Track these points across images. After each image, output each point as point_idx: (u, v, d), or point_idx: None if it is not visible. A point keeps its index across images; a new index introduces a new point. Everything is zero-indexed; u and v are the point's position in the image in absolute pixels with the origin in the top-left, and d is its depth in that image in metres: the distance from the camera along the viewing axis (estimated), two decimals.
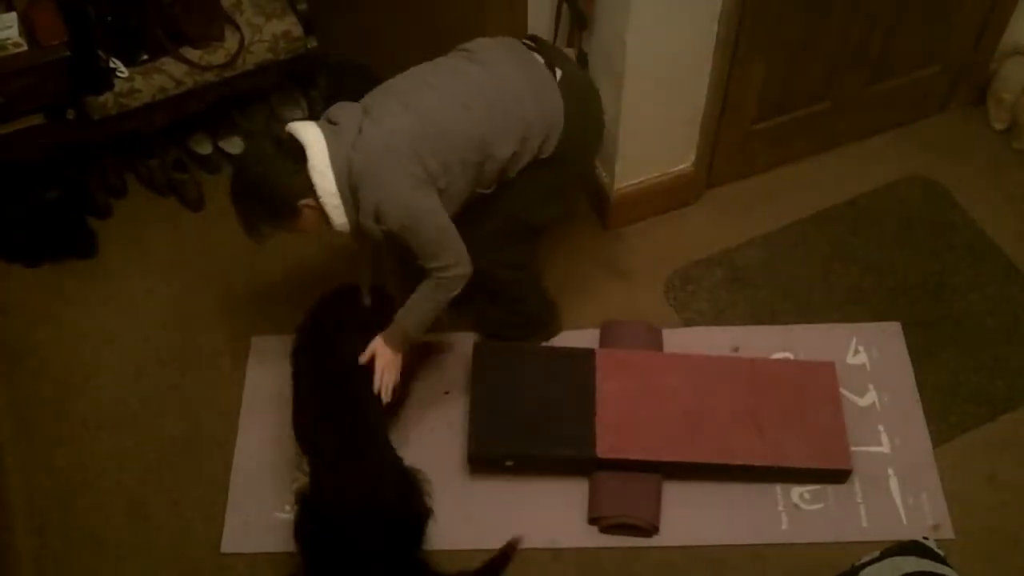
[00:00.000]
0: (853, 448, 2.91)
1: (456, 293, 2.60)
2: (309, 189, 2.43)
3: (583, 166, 2.80)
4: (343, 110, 2.50)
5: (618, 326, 3.14)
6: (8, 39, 2.91)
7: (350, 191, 2.44)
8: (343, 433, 2.66)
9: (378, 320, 2.72)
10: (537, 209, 2.74)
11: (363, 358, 2.68)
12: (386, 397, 2.70)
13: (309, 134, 2.43)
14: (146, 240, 3.47)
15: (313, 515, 2.60)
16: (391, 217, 2.45)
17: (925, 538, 2.58)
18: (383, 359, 2.68)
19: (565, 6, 3.14)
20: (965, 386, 3.09)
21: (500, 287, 2.96)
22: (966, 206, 3.50)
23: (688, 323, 3.25)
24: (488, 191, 2.64)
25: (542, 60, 2.63)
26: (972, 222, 3.47)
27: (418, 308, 2.63)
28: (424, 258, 2.54)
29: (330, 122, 2.48)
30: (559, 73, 2.62)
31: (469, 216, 2.64)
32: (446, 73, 2.56)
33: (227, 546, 2.85)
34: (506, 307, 3.06)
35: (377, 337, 2.68)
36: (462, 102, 2.49)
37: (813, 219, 3.49)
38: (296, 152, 2.42)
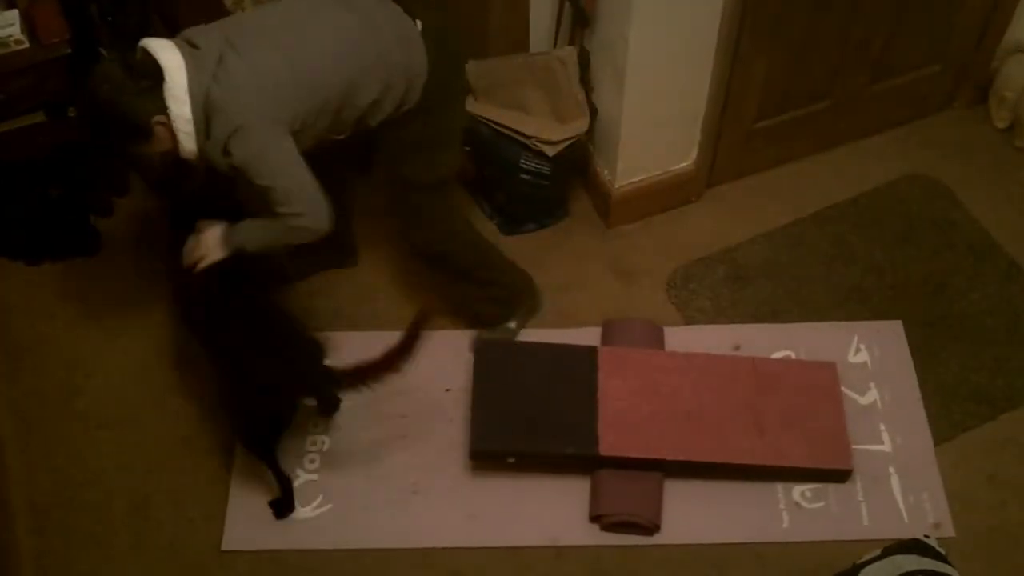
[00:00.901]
0: (854, 446, 2.91)
1: (302, 242, 2.54)
2: (162, 109, 2.34)
3: (453, 113, 2.74)
4: (204, 35, 2.40)
5: (620, 324, 3.14)
6: (10, 36, 2.91)
7: (203, 121, 2.37)
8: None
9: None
10: (426, 165, 2.69)
11: (192, 237, 2.64)
12: (186, 264, 2.64)
13: (168, 56, 2.33)
14: (148, 239, 3.47)
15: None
16: (240, 151, 2.39)
17: (926, 536, 2.58)
18: (207, 236, 2.61)
19: (567, 4, 3.15)
20: (966, 385, 3.09)
21: (452, 262, 2.94)
22: (968, 205, 3.50)
23: (689, 321, 3.25)
24: (341, 137, 2.59)
25: (401, 8, 2.59)
26: (974, 221, 3.46)
27: (260, 227, 2.57)
28: (272, 202, 2.46)
29: (189, 44, 2.38)
30: (419, 24, 2.58)
31: (392, 210, 2.65)
32: (319, 16, 2.50)
33: (228, 544, 2.85)
34: (480, 283, 3.04)
35: (216, 224, 2.62)
36: (333, 50, 2.45)
37: (815, 218, 3.49)
38: (151, 71, 2.33)
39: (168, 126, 2.38)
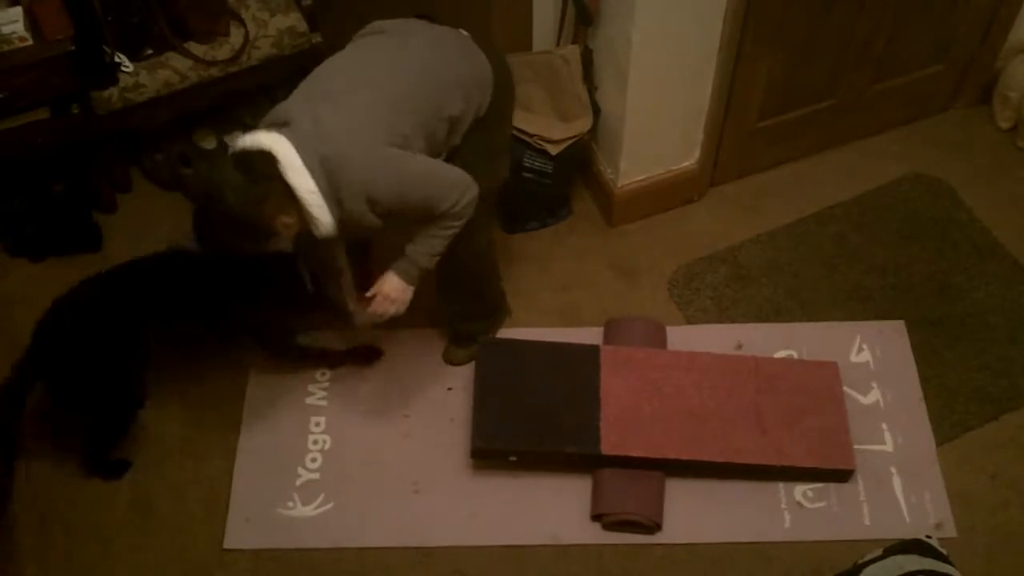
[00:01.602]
0: (856, 446, 2.91)
1: (470, 216, 2.48)
2: (285, 200, 2.29)
3: (508, 122, 2.75)
4: (286, 110, 2.36)
5: (622, 323, 3.14)
6: (13, 33, 2.91)
7: (328, 185, 2.30)
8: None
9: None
10: (488, 175, 2.65)
11: (369, 294, 2.59)
12: (359, 320, 2.65)
13: (270, 139, 2.28)
14: (151, 235, 3.46)
15: None
16: (386, 194, 2.35)
17: (928, 536, 2.58)
18: (389, 288, 2.57)
19: (570, 2, 3.14)
20: (969, 385, 3.09)
21: (469, 277, 2.93)
22: (971, 204, 3.50)
23: (692, 320, 3.25)
24: (440, 159, 2.57)
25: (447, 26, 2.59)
26: (977, 220, 3.46)
27: (429, 238, 2.51)
28: (435, 209, 2.42)
29: (280, 123, 2.33)
30: (465, 32, 2.58)
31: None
32: (377, 49, 2.48)
33: (230, 542, 2.85)
34: (471, 300, 3.04)
35: (388, 273, 2.57)
36: (408, 69, 2.43)
37: (817, 217, 3.49)
38: (261, 164, 2.27)
39: (291, 223, 2.33)
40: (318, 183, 2.28)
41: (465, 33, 2.60)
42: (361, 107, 2.35)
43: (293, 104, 2.37)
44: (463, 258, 2.81)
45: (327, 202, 2.31)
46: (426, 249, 2.53)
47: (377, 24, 2.57)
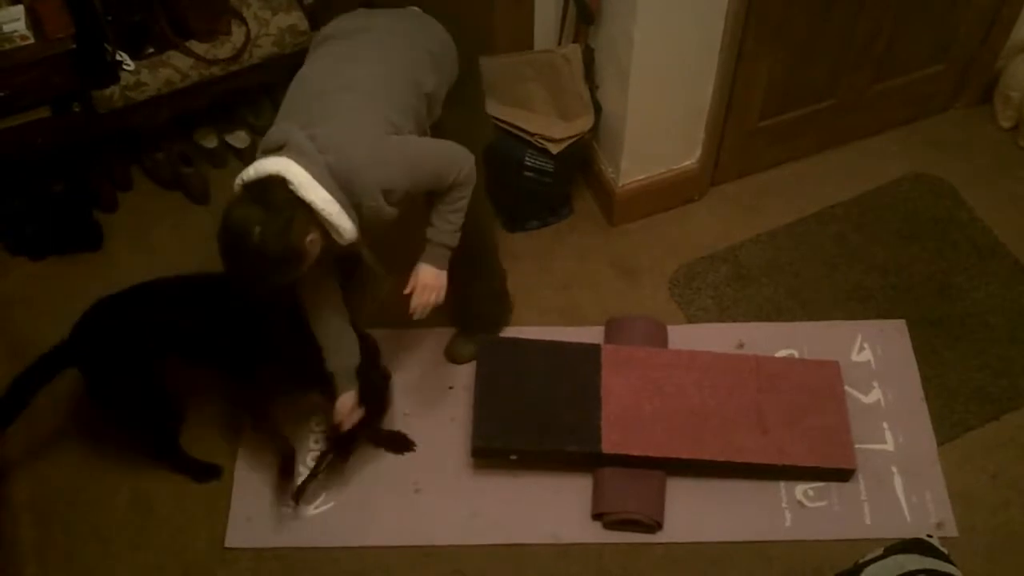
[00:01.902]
0: (857, 445, 2.91)
1: (474, 183, 2.51)
2: (309, 220, 2.28)
3: (477, 76, 2.75)
4: (278, 133, 2.34)
5: (623, 322, 3.14)
6: (15, 32, 2.91)
7: (343, 191, 2.30)
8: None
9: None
10: (475, 129, 2.69)
11: (407, 288, 2.57)
12: (420, 314, 2.59)
13: (273, 163, 2.27)
14: (152, 233, 3.48)
15: None
16: (398, 181, 2.36)
17: (928, 536, 2.57)
18: (424, 279, 2.56)
19: (571, 1, 3.14)
20: (970, 384, 3.09)
21: (485, 248, 2.94)
22: (972, 204, 3.50)
23: (693, 320, 3.25)
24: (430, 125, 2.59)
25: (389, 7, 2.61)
26: (978, 220, 3.46)
27: (445, 218, 2.52)
28: (444, 179, 2.45)
29: (278, 147, 2.32)
30: (414, 9, 2.61)
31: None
32: (337, 54, 2.48)
33: (231, 540, 2.85)
34: (490, 275, 3.05)
35: (419, 264, 2.57)
36: (374, 60, 2.44)
37: (818, 216, 3.49)
38: (274, 190, 2.25)
39: (317, 239, 2.32)
40: (332, 192, 2.28)
41: (415, 9, 2.61)
42: (346, 109, 2.36)
43: (281, 128, 2.36)
44: (470, 228, 2.76)
45: (345, 209, 2.31)
46: (447, 227, 2.53)
47: (326, 29, 2.58)
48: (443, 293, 2.59)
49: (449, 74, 2.57)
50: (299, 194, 2.25)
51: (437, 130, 2.60)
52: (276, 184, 2.25)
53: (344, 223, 2.32)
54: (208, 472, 2.97)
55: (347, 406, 2.69)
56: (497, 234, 3.03)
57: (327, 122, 2.34)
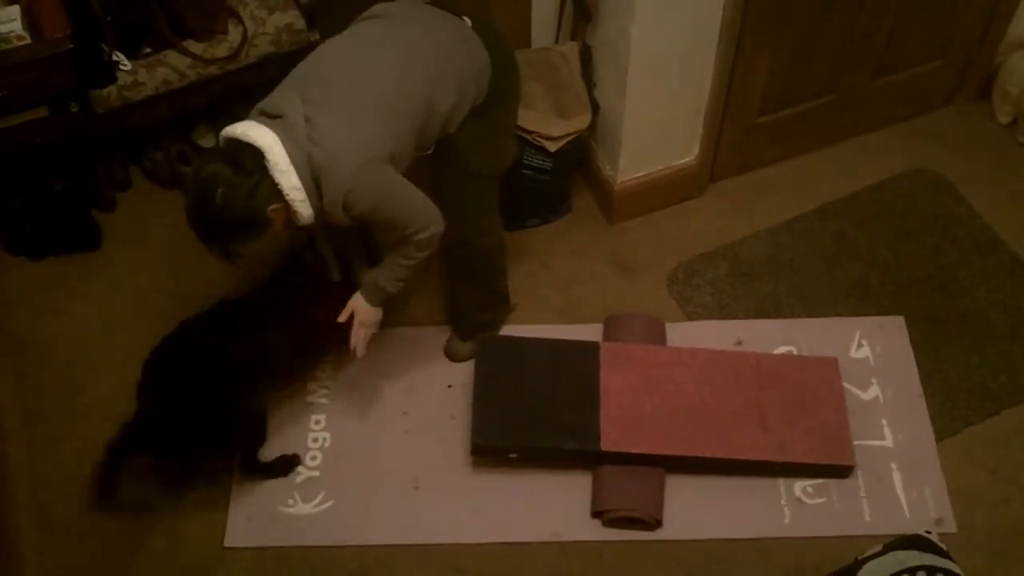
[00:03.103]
0: (856, 442, 2.91)
1: (433, 251, 2.57)
2: (274, 193, 2.34)
3: (514, 101, 2.76)
4: (281, 101, 2.39)
5: (622, 319, 3.14)
6: (11, 32, 2.91)
7: (313, 183, 2.37)
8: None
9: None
10: (491, 158, 2.71)
11: (342, 316, 2.68)
12: (360, 352, 2.73)
13: (260, 135, 2.32)
14: (150, 233, 3.48)
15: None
16: (361, 204, 2.40)
17: (928, 532, 2.58)
18: (361, 314, 2.69)
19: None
20: (969, 381, 3.09)
21: (485, 263, 2.96)
22: (971, 200, 3.50)
23: (691, 317, 3.25)
24: (427, 153, 2.60)
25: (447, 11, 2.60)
26: (977, 216, 3.46)
27: (395, 265, 2.60)
28: (398, 229, 2.51)
29: (270, 116, 2.38)
30: (467, 20, 2.59)
31: (443, 197, 2.65)
32: (379, 42, 2.49)
33: (231, 540, 2.85)
34: (485, 289, 3.05)
35: (356, 295, 2.68)
36: (406, 74, 2.45)
37: (817, 213, 3.49)
38: (249, 158, 2.32)
39: (282, 210, 2.38)
40: (302, 180, 2.35)
41: (467, 21, 2.59)
42: (355, 113, 2.38)
43: (288, 96, 2.40)
44: (475, 240, 2.85)
45: (310, 199, 2.38)
46: (392, 275, 2.62)
47: (379, 7, 2.58)
48: (376, 328, 2.73)
49: (472, 96, 2.55)
50: (271, 173, 2.31)
51: (447, 145, 2.61)
52: (254, 154, 2.31)
53: (304, 210, 2.39)
54: (290, 463, 2.97)
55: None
56: (502, 249, 3.03)
57: (330, 114, 2.36)
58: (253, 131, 2.33)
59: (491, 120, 2.63)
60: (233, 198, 2.31)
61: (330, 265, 2.90)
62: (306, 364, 3.10)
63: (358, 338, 2.71)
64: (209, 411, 2.70)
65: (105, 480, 2.68)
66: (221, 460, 2.93)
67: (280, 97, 2.41)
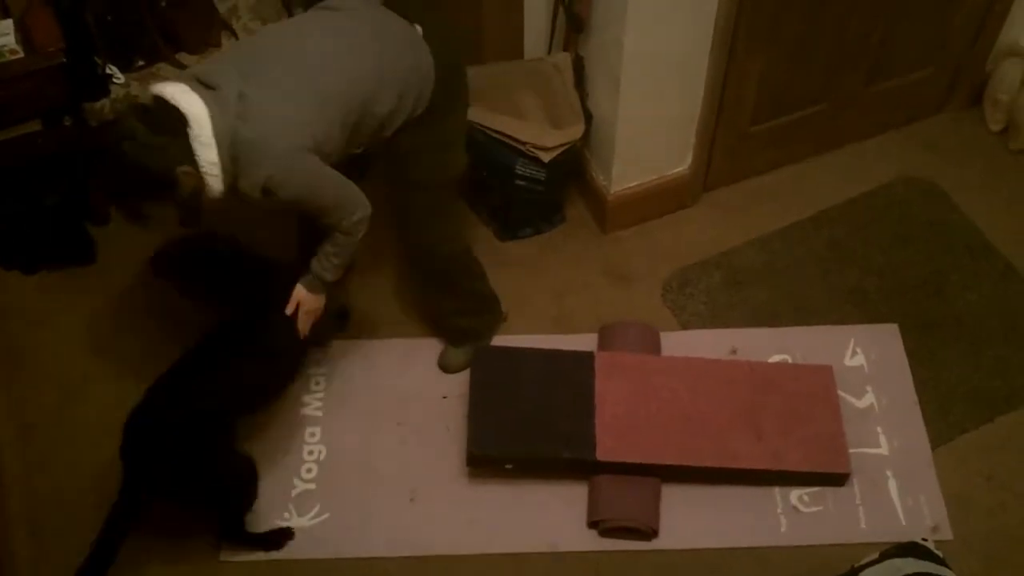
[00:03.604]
0: (851, 450, 2.91)
1: (363, 234, 2.56)
2: (187, 157, 2.31)
3: (459, 113, 2.73)
4: (217, 73, 2.35)
5: (616, 329, 3.14)
6: (5, 46, 2.90)
7: (231, 160, 2.33)
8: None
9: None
10: (435, 166, 2.69)
11: (288, 308, 2.69)
12: (309, 337, 2.76)
13: (190, 102, 2.28)
14: (144, 247, 3.46)
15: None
16: (284, 191, 2.39)
17: (924, 539, 2.58)
18: (305, 305, 2.70)
19: (561, 9, 3.15)
20: (963, 387, 3.10)
21: (450, 268, 2.95)
22: (963, 207, 3.51)
23: (686, 326, 3.25)
24: (358, 151, 2.59)
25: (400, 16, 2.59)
26: (969, 223, 3.47)
27: (328, 254, 2.61)
28: (322, 216, 2.51)
29: (204, 84, 2.33)
30: (419, 29, 2.57)
31: (395, 206, 2.69)
32: (327, 32, 2.49)
33: (226, 553, 2.84)
34: (461, 293, 3.04)
35: (297, 285, 2.69)
36: (348, 65, 2.43)
37: (811, 221, 3.50)
38: (170, 121, 2.28)
39: (193, 173, 2.34)
40: (221, 157, 2.32)
41: (419, 29, 2.56)
42: (290, 99, 2.36)
43: (226, 69, 2.37)
44: (432, 253, 2.86)
45: (223, 175, 2.35)
46: (327, 264, 2.63)
47: (339, 0, 2.57)
48: (319, 314, 2.75)
49: (412, 105, 2.53)
50: (191, 142, 2.29)
51: (392, 155, 2.62)
52: (178, 118, 2.28)
53: (216, 185, 2.36)
54: (284, 535, 2.90)
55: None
56: (466, 254, 3.00)
57: (264, 92, 2.34)
58: (183, 97, 2.29)
59: (435, 129, 2.62)
60: (140, 153, 2.30)
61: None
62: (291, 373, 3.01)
63: (304, 324, 2.73)
64: (198, 459, 2.68)
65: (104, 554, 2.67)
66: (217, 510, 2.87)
67: (219, 69, 2.39)
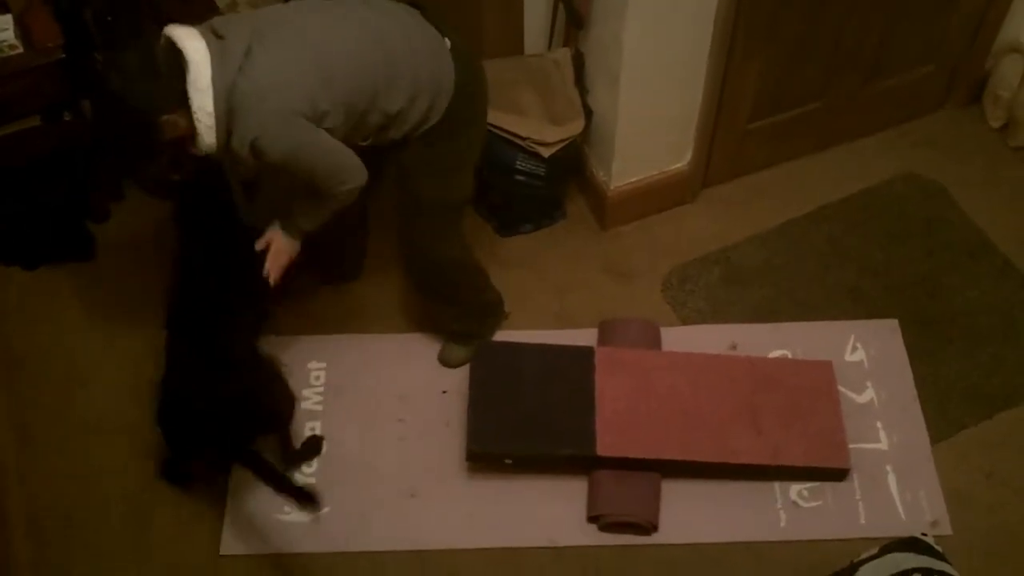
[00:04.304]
0: (851, 445, 2.91)
1: (353, 200, 2.53)
2: (179, 103, 2.26)
3: (473, 136, 2.71)
4: (232, 24, 2.32)
5: (616, 325, 3.14)
6: (3, 41, 2.91)
7: (225, 114, 2.29)
8: (205, 326, 2.74)
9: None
10: (442, 188, 2.69)
11: (259, 244, 2.67)
12: (273, 279, 2.69)
13: (193, 46, 2.24)
14: (144, 243, 3.47)
15: (165, 401, 2.71)
16: (272, 151, 2.34)
17: (923, 534, 2.58)
18: (277, 244, 2.66)
19: (561, 6, 3.15)
20: (963, 383, 3.10)
21: (453, 281, 2.95)
22: (963, 204, 3.51)
23: (686, 321, 3.25)
24: (364, 144, 2.54)
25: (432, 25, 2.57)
26: (969, 220, 3.47)
27: (314, 207, 2.57)
28: (318, 181, 2.46)
29: (216, 34, 2.29)
30: (448, 42, 2.55)
31: (401, 219, 2.69)
32: (347, 14, 2.46)
33: (227, 548, 2.85)
34: (463, 302, 3.05)
35: (273, 224, 2.66)
36: (364, 50, 2.41)
37: (810, 217, 3.50)
38: (171, 63, 2.24)
39: (178, 122, 2.30)
40: (216, 108, 2.27)
41: (448, 42, 2.54)
42: (296, 66, 2.33)
43: (241, 24, 2.35)
44: (433, 267, 2.86)
45: (217, 127, 2.31)
46: (309, 214, 2.60)
47: None
48: (289, 259, 2.69)
49: (423, 111, 2.51)
50: (187, 87, 2.25)
51: (400, 169, 2.63)
52: (179, 61, 2.25)
53: (207, 136, 2.32)
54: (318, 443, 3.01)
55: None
56: (472, 265, 3.00)
57: (273, 54, 2.31)
58: (189, 41, 2.26)
59: (445, 149, 2.60)
60: (126, 88, 2.26)
61: (239, 203, 2.85)
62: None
63: (273, 265, 2.67)
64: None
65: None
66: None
67: (234, 21, 2.36)
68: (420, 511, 2.90)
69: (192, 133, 2.32)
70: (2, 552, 2.83)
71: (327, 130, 2.38)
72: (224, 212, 2.85)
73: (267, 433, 2.88)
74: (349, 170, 2.46)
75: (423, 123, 2.53)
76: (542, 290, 3.33)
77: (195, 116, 2.28)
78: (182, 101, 2.27)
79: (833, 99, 3.50)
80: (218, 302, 2.78)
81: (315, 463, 2.98)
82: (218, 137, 2.32)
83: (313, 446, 2.99)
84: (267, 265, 2.67)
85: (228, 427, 2.67)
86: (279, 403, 2.88)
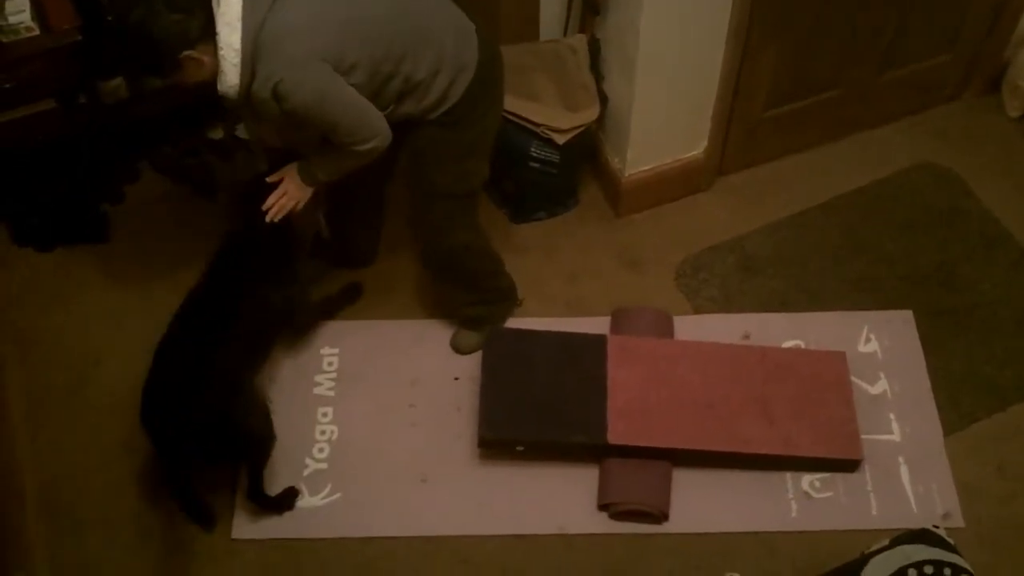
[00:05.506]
0: (864, 436, 2.91)
1: (374, 158, 2.51)
2: (204, 41, 2.23)
3: (489, 123, 2.69)
4: None
5: (629, 313, 3.13)
6: (21, 23, 2.90)
7: (251, 54, 2.25)
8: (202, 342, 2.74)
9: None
10: (456, 174, 2.68)
11: (272, 177, 2.65)
12: (273, 216, 2.66)
13: None
14: (158, 226, 3.48)
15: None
16: (295, 98, 2.31)
17: (935, 527, 2.58)
18: (288, 184, 2.64)
19: None
20: (976, 375, 3.09)
21: (467, 268, 2.95)
22: (979, 194, 3.49)
23: (699, 310, 3.24)
24: (384, 114, 2.50)
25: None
26: (985, 210, 3.45)
27: (333, 157, 2.56)
28: (340, 135, 2.43)
29: None
30: (473, 27, 2.55)
31: (414, 209, 2.69)
32: None
33: (238, 532, 2.86)
34: (477, 288, 3.05)
35: (292, 163, 2.64)
36: (393, 11, 2.41)
37: (825, 207, 3.48)
38: None
39: (201, 59, 2.27)
40: (243, 45, 2.25)
41: (471, 24, 2.56)
42: (326, 12, 2.32)
43: None
44: (447, 253, 2.86)
45: (242, 66, 2.28)
46: (327, 165, 2.59)
47: None
48: (302, 204, 2.67)
49: (444, 87, 2.50)
50: (216, 22, 2.23)
51: (414, 157, 2.63)
52: None
53: (232, 75, 2.29)
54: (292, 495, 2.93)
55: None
56: (486, 251, 3.00)
57: (305, 3, 2.30)
58: None
59: (461, 133, 2.60)
60: (149, 20, 2.20)
61: (257, 157, 2.82)
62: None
63: (278, 202, 2.64)
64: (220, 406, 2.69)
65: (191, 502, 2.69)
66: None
67: None
68: (431, 497, 2.90)
69: (214, 72, 2.29)
70: (16, 530, 2.85)
71: (351, 76, 2.36)
72: (260, 268, 2.83)
73: (227, 461, 2.86)
74: (372, 127, 2.43)
75: (441, 102, 2.53)
76: (555, 277, 3.33)
77: (220, 52, 2.25)
78: (207, 36, 2.23)
79: (849, 88, 3.48)
80: (221, 326, 2.77)
81: (326, 448, 2.99)
82: (242, 77, 2.29)
83: (286, 499, 2.89)
84: (270, 200, 2.64)
85: (184, 439, 2.65)
86: (248, 435, 2.79)
